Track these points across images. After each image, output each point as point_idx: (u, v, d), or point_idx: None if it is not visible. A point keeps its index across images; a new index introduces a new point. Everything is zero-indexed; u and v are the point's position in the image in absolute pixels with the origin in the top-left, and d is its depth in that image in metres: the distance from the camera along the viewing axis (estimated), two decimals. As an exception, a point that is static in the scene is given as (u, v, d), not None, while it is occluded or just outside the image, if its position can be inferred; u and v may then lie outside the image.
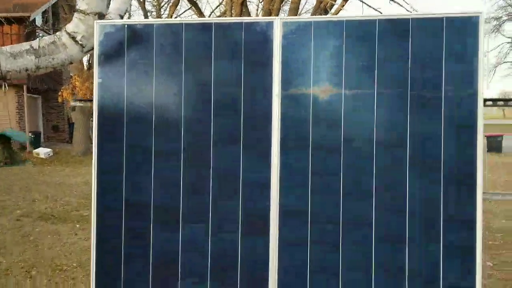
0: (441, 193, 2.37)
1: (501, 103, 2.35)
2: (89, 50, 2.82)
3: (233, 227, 2.56)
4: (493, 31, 48.30)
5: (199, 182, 2.61)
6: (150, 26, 2.66)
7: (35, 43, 2.73)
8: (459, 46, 2.36)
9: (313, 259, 2.49)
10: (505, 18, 47.80)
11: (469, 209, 2.35)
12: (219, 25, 2.59)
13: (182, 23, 2.64)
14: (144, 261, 2.66)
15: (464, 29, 2.35)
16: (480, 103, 2.35)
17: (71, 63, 2.86)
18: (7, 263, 5.27)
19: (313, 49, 2.49)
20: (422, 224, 2.40)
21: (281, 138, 2.52)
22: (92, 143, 2.74)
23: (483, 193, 2.42)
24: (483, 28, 2.33)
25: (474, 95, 2.36)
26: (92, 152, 2.69)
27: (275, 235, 2.52)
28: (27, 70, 2.71)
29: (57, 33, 2.80)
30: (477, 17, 2.35)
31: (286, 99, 2.52)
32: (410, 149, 2.41)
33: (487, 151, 20.38)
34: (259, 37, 2.53)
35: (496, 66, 53.15)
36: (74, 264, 5.25)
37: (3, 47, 2.69)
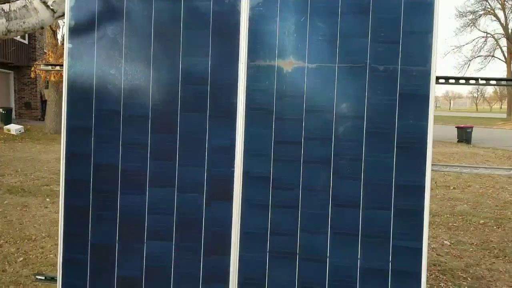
0: (394, 161, 2.53)
1: (452, 81, 2.50)
2: (60, 16, 2.86)
3: (199, 190, 2.67)
4: (469, 25, 49.08)
5: (166, 148, 2.70)
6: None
7: (6, 6, 2.76)
8: (416, 23, 2.50)
9: (273, 222, 2.63)
10: (481, 12, 48.59)
11: (419, 176, 2.51)
12: (189, -5, 2.67)
13: (153, -8, 2.70)
14: (112, 223, 2.75)
15: (420, 7, 2.49)
16: (433, 78, 2.50)
17: (42, 28, 2.89)
18: (-26, 232, 5.28)
19: (278, 23, 2.60)
20: (375, 190, 2.55)
21: (246, 107, 2.63)
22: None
23: (434, 164, 2.59)
24: (438, 7, 2.47)
25: (427, 71, 2.51)
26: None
27: (238, 198, 2.64)
28: (1, 32, 2.73)
29: (28, -3, 2.83)
30: (432, -5, 2.49)
31: (252, 69, 2.63)
32: (367, 120, 2.55)
33: (458, 141, 20.99)
34: (227, 8, 2.62)
35: (471, 60, 54.18)
36: (43, 234, 5.29)
37: (-27, 9, 2.71)
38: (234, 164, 2.66)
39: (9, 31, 2.76)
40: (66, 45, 2.74)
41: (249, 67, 2.62)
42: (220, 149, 2.67)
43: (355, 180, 2.57)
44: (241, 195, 2.66)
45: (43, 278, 2.96)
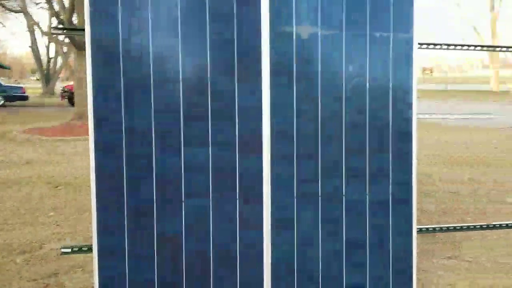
0: (390, 110, 3.13)
1: (431, 46, 3.17)
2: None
3: (231, 148, 2.94)
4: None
5: (198, 110, 2.90)
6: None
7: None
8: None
9: (298, 171, 3.03)
10: None
11: (406, 120, 3.15)
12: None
13: (178, -38, 2.83)
14: (148, 184, 2.86)
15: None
16: (415, 44, 3.15)
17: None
18: None
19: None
20: (376, 136, 3.13)
21: (270, 70, 2.96)
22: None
23: (420, 113, 3.25)
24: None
25: (410, 38, 3.15)
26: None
27: (267, 152, 2.98)
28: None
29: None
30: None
31: (274, 35, 2.96)
32: (370, 78, 3.10)
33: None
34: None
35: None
36: None
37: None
38: (262, 121, 2.97)
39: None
40: (88, 8, 2.73)
41: (271, 33, 2.95)
42: (248, 107, 2.96)
43: (362, 127, 3.11)
44: (269, 148, 3.00)
45: (69, 250, 2.90)
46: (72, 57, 16.63)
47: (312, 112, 3.05)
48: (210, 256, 2.96)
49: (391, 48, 3.14)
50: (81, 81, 14.18)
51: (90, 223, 3.02)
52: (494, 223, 3.61)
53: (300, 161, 3.05)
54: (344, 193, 3.11)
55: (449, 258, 4.02)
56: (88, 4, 2.76)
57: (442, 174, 7.60)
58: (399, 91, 3.16)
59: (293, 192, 3.05)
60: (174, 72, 2.87)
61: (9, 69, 23.55)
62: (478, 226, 3.56)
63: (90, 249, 2.96)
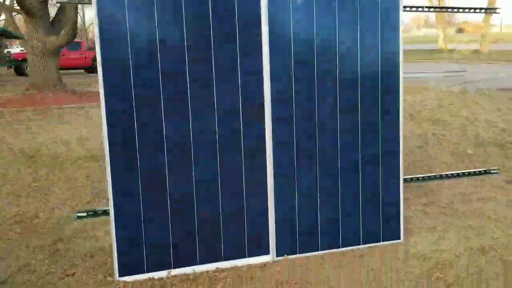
0: (379, 69, 3.37)
1: (414, 9, 3.40)
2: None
3: (236, 114, 3.11)
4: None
5: (205, 76, 3.03)
6: None
7: None
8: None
9: (297, 129, 3.25)
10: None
11: (393, 79, 3.42)
12: None
13: None
14: (160, 149, 3.00)
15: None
16: (401, 7, 3.38)
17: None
18: None
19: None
20: (370, 96, 3.38)
21: (269, 38, 3.12)
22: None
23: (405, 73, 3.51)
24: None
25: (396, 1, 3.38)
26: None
27: (269, 114, 3.18)
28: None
29: None
30: None
31: (272, 3, 3.10)
32: (360, 40, 3.32)
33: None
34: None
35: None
36: None
37: None
38: (263, 87, 3.15)
39: None
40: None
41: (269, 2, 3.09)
42: (250, 72, 3.13)
43: (353, 89, 3.35)
44: (270, 113, 3.19)
45: (85, 214, 3.02)
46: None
47: (309, 73, 3.25)
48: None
49: (380, 12, 3.35)
50: (35, 50, 13.62)
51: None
52: (468, 171, 4.00)
53: (298, 122, 3.27)
54: (339, 153, 3.38)
55: (425, 205, 4.41)
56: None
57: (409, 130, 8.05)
58: (386, 52, 3.40)
59: (293, 150, 3.27)
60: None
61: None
62: (455, 174, 3.94)
63: (105, 212, 3.10)
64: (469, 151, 6.47)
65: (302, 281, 3.05)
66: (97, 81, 2.97)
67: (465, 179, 5.06)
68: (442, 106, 10.63)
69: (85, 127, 8.89)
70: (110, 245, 3.29)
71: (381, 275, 3.11)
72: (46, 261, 3.34)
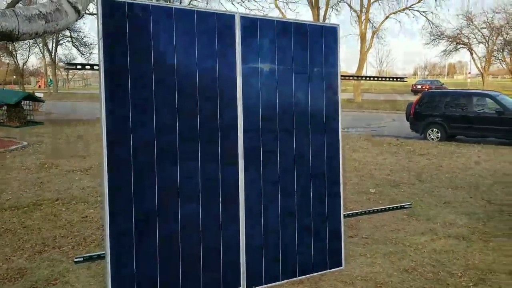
0: (324, 121, 4.13)
1: (349, 77, 4.23)
2: (82, 17, 3.16)
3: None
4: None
5: (190, 130, 3.51)
6: (146, 6, 3.31)
7: (42, 8, 2.90)
8: (330, 41, 4.15)
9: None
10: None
11: (334, 128, 4.20)
12: (201, 13, 3.53)
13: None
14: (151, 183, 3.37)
15: (331, 33, 4.15)
16: (339, 76, 4.21)
17: (67, 28, 3.08)
18: None
19: (259, 38, 3.78)
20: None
21: (242, 97, 3.72)
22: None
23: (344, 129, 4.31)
24: (339, 33, 4.18)
25: (336, 71, 4.20)
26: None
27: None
28: (36, 34, 2.87)
29: (54, 0, 3.02)
30: (336, 27, 4.19)
31: (245, 70, 3.73)
32: (311, 103, 4.06)
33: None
34: (226, 23, 3.64)
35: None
36: None
37: (17, 8, 2.76)
38: (237, 133, 3.72)
39: (45, 32, 2.93)
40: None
41: (243, 68, 3.72)
42: (228, 125, 3.68)
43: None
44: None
45: (81, 259, 3.22)
46: None
47: (272, 123, 3.90)
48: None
49: (324, 79, 4.15)
50: None
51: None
52: (383, 207, 4.89)
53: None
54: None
55: (351, 237, 5.21)
56: None
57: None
58: (325, 110, 4.19)
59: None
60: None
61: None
62: (377, 210, 4.80)
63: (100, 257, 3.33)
64: (371, 190, 7.57)
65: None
66: None
67: (375, 215, 6.02)
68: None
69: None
70: None
71: (337, 296, 3.75)
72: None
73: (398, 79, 4.93)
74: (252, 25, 3.77)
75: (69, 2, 3.06)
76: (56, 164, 9.84)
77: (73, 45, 42.74)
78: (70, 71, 72.46)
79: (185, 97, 3.50)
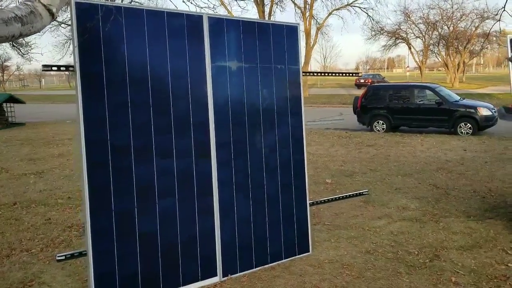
0: (288, 116, 4.37)
1: (309, 73, 4.47)
2: (55, 19, 3.20)
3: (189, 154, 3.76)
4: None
5: (165, 128, 3.63)
6: (119, 8, 3.40)
7: (17, 11, 2.93)
8: (291, 40, 4.39)
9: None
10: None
11: (298, 123, 4.45)
12: (170, 13, 3.65)
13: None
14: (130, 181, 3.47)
15: (291, 32, 4.38)
16: (301, 72, 4.46)
17: (39, 31, 3.09)
18: None
19: (226, 37, 3.95)
20: (283, 140, 4.34)
21: (213, 94, 3.89)
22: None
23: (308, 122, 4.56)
24: (299, 31, 4.43)
25: (298, 68, 4.45)
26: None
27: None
28: (13, 36, 2.90)
29: (29, 3, 3.05)
30: (296, 26, 4.43)
31: (214, 68, 3.89)
32: (276, 98, 4.28)
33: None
34: (194, 23, 3.78)
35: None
36: None
37: (-8, 11, 2.78)
38: (209, 133, 3.88)
39: (21, 35, 2.96)
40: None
41: (212, 66, 3.88)
42: (199, 123, 3.83)
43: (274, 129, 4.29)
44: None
45: (63, 257, 3.27)
46: None
47: (242, 120, 4.09)
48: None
49: (287, 75, 4.39)
50: None
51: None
52: (343, 194, 5.21)
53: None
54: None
55: (314, 224, 5.50)
56: None
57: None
58: (288, 105, 4.43)
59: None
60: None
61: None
62: (336, 198, 5.10)
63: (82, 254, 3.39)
64: (328, 180, 7.92)
65: (252, 291, 3.77)
66: None
67: (334, 203, 6.35)
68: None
69: None
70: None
71: (311, 279, 3.99)
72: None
73: (354, 74, 5.27)
74: (218, 25, 3.93)
75: (43, 5, 3.09)
76: (6, 168, 9.54)
77: (12, 47, 40.90)
78: (5, 71, 69.62)
79: (158, 96, 3.61)
